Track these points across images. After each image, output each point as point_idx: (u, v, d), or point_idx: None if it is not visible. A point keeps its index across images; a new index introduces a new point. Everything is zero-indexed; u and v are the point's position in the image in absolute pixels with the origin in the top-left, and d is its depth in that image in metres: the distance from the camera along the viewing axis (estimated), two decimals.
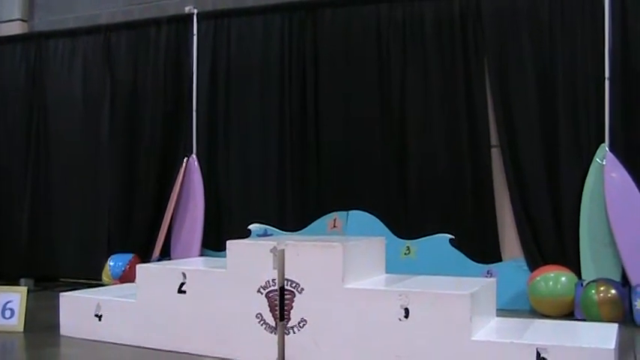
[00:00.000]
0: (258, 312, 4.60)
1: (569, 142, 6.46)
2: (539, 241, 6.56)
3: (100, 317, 5.28)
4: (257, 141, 7.66)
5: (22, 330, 5.57)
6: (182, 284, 4.92)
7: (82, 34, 8.63)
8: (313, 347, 4.43)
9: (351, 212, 7.10)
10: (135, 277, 5.27)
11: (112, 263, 7.69)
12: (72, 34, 8.72)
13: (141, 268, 5.26)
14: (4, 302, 5.65)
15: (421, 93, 7.01)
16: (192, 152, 7.86)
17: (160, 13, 8.32)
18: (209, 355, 4.73)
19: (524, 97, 6.65)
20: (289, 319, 4.52)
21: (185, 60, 8.02)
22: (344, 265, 4.41)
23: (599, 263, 6.15)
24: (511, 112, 6.70)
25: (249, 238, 6.76)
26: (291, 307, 4.52)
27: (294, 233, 7.16)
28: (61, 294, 5.57)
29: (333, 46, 7.41)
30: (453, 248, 6.71)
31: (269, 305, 4.57)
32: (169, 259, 7.35)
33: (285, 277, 4.54)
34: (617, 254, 6.06)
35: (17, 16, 9.34)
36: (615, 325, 4.40)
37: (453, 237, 6.73)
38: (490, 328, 4.36)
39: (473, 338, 4.02)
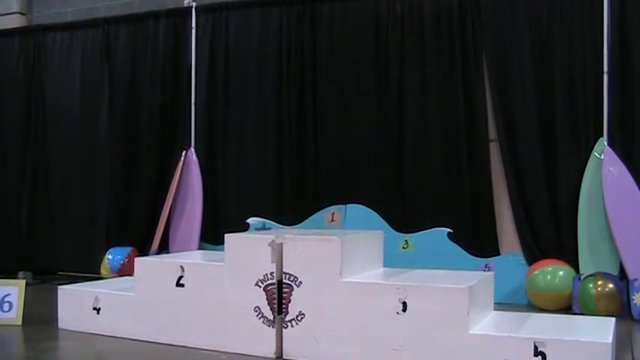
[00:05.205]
0: (256, 305, 4.60)
1: (567, 136, 6.47)
2: (537, 235, 6.56)
3: (98, 310, 5.29)
4: (255, 135, 7.66)
5: (20, 323, 5.58)
6: (180, 277, 4.92)
7: (81, 27, 8.62)
8: (311, 341, 4.43)
9: (349, 206, 7.10)
10: (133, 271, 5.29)
11: (110, 256, 7.70)
12: (70, 27, 8.71)
13: (139, 262, 5.27)
14: (2, 295, 5.66)
15: (419, 86, 7.01)
16: (190, 146, 7.86)
17: (158, 7, 8.29)
18: (207, 348, 4.74)
19: (523, 90, 6.65)
20: (287, 312, 4.52)
21: (184, 53, 8.01)
22: (342, 259, 4.42)
23: (597, 257, 6.16)
24: (509, 106, 6.70)
25: (247, 232, 6.77)
26: (289, 301, 4.52)
27: (293, 227, 7.16)
28: (60, 287, 5.59)
29: (331, 40, 7.40)
30: (451, 242, 6.71)
31: (267, 299, 4.58)
32: (168, 253, 7.35)
33: (284, 270, 4.55)
34: (614, 248, 6.06)
35: (15, 9, 9.32)
36: (613, 319, 4.42)
37: (451, 231, 6.73)
38: (488, 322, 4.36)
39: (470, 332, 4.03)
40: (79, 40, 8.59)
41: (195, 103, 7.90)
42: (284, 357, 4.53)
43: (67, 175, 8.52)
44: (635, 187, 6.04)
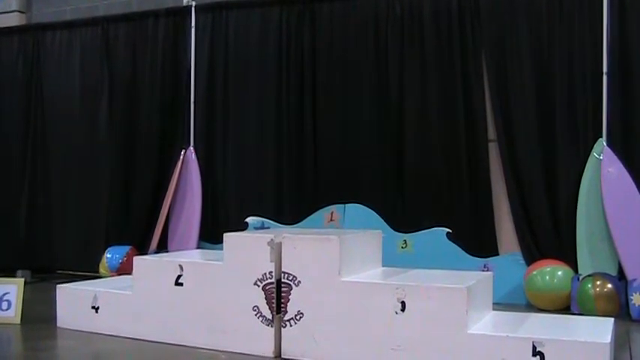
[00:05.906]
0: (254, 304, 4.60)
1: (566, 136, 6.46)
2: (535, 236, 6.56)
3: (96, 309, 5.28)
4: (254, 134, 7.66)
5: (18, 322, 5.58)
6: (179, 276, 4.92)
7: (80, 25, 8.60)
8: (310, 340, 4.43)
9: (348, 205, 7.10)
10: (132, 270, 5.28)
11: (109, 255, 7.69)
12: (70, 25, 8.70)
13: (138, 261, 5.26)
14: (1, 294, 5.65)
15: (419, 86, 7.01)
16: (189, 144, 7.86)
17: (158, 5, 8.28)
18: (206, 347, 4.74)
19: (522, 91, 6.64)
20: (286, 311, 4.52)
21: (183, 52, 8.01)
22: (341, 258, 4.42)
23: (596, 257, 6.16)
24: (509, 106, 6.70)
25: (246, 231, 6.77)
26: (288, 300, 4.52)
27: (292, 226, 7.15)
28: (58, 286, 5.58)
29: (330, 40, 7.40)
30: (450, 242, 6.71)
31: (266, 298, 4.58)
32: (166, 252, 7.35)
33: (282, 269, 4.55)
34: (613, 249, 6.06)
35: (15, 7, 9.32)
36: (611, 320, 4.43)
37: (450, 231, 6.73)
38: (486, 322, 4.37)
39: (469, 332, 4.03)
40: (79, 38, 8.57)
41: (195, 103, 7.90)
42: (283, 356, 4.53)
43: (66, 174, 8.51)
44: (634, 187, 6.04)
